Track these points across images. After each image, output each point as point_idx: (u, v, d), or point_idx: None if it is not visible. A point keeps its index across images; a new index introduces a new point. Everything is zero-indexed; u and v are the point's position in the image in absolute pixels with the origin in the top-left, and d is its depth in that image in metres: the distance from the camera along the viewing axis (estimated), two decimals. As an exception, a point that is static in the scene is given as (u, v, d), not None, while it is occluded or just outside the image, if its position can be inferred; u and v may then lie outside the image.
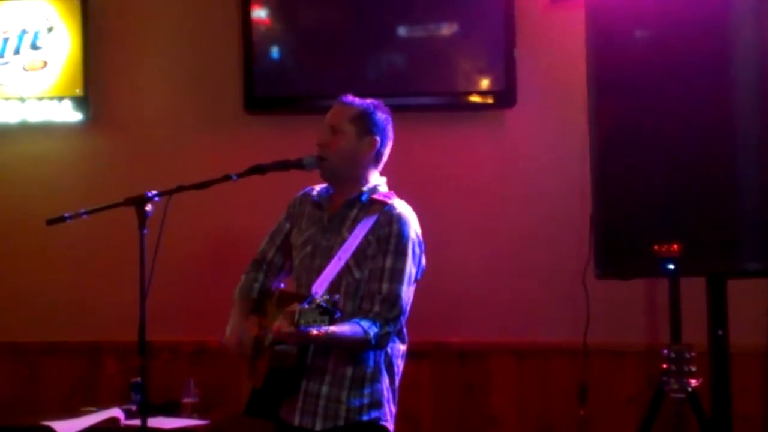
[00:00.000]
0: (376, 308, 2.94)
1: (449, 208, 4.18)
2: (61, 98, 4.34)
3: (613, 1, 3.22)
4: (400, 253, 2.99)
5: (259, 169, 3.07)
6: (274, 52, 4.33)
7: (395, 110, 3.20)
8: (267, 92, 4.31)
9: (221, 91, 4.36)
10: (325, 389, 2.96)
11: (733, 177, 3.01)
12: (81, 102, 4.35)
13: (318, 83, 4.25)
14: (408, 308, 3.02)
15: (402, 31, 4.29)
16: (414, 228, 3.06)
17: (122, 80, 4.42)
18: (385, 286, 2.96)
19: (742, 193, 3.01)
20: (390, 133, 3.15)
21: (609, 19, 3.22)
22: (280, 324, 2.78)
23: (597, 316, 3.79)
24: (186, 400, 3.97)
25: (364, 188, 3.10)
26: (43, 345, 4.35)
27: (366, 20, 4.29)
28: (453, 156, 4.27)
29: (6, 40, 4.37)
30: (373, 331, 2.90)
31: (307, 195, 3.23)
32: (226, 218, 4.29)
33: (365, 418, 2.97)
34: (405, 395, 3.17)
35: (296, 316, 2.65)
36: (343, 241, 3.01)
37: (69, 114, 4.35)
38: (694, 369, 2.97)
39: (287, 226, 3.23)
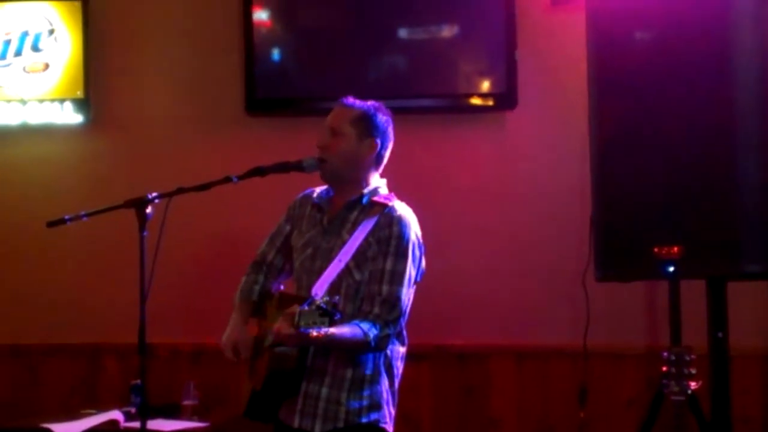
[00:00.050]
0: (376, 310, 2.94)
1: (450, 209, 4.19)
2: (62, 100, 4.35)
3: (614, 3, 3.22)
4: (401, 255, 2.99)
5: (259, 171, 3.08)
6: (275, 54, 4.33)
7: (396, 112, 3.19)
8: (268, 94, 4.31)
9: (222, 92, 4.36)
10: (324, 391, 2.96)
11: (734, 179, 3.02)
12: (82, 104, 4.35)
13: (319, 85, 4.26)
14: (408, 310, 3.02)
15: (403, 33, 4.29)
16: (414, 230, 3.06)
17: (123, 82, 4.42)
18: (385, 288, 2.96)
19: (742, 195, 3.02)
20: (391, 136, 3.15)
21: (609, 20, 3.22)
22: (280, 325, 2.78)
23: (597, 318, 3.79)
24: (186, 403, 3.96)
25: (365, 190, 3.10)
26: (43, 347, 4.35)
27: (367, 22, 4.29)
28: (454, 158, 4.28)
29: (7, 42, 4.37)
30: (372, 333, 2.90)
31: (308, 197, 3.22)
32: (226, 220, 4.29)
33: (364, 420, 2.97)
34: (405, 397, 3.17)
35: (296, 318, 2.65)
36: (344, 243, 3.00)
37: (70, 116, 4.35)
38: (694, 371, 2.96)
39: (287, 228, 3.23)
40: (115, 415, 3.82)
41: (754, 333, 3.99)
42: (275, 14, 4.33)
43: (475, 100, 4.26)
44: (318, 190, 3.22)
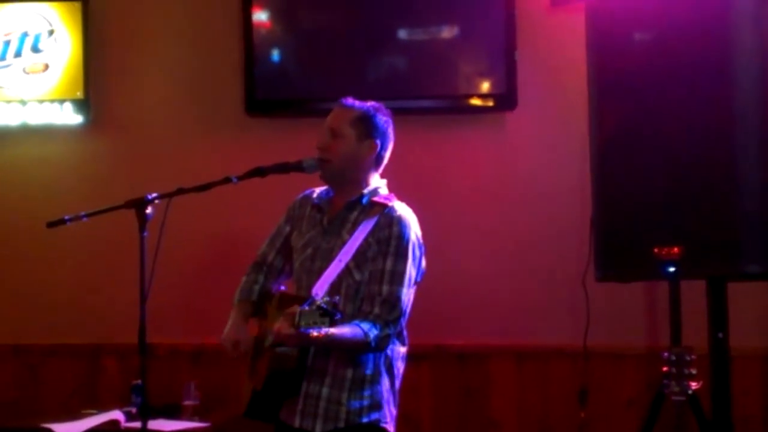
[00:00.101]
0: (376, 310, 2.94)
1: (449, 210, 4.19)
2: (61, 101, 4.35)
3: (613, 4, 3.22)
4: (401, 256, 3.00)
5: (259, 172, 3.08)
6: (275, 54, 4.33)
7: (396, 113, 3.20)
8: (268, 95, 4.31)
9: (222, 93, 4.36)
10: (325, 391, 2.97)
11: (734, 179, 3.01)
12: (82, 105, 4.35)
13: (319, 86, 4.26)
14: (408, 310, 3.02)
15: (403, 33, 4.29)
16: (414, 230, 3.06)
17: (123, 83, 4.42)
18: (385, 288, 2.96)
19: (742, 195, 3.01)
20: (390, 136, 3.15)
21: (609, 21, 3.22)
22: (280, 326, 2.79)
23: (597, 318, 3.80)
24: (186, 403, 3.97)
25: (365, 191, 3.10)
26: (44, 347, 4.35)
27: (366, 23, 4.29)
28: (453, 158, 4.28)
29: (7, 42, 4.37)
30: (373, 333, 2.90)
31: (307, 197, 3.23)
32: (226, 220, 4.29)
33: (365, 420, 2.97)
34: (405, 398, 3.17)
35: (296, 318, 2.65)
36: (344, 243, 3.01)
37: (70, 117, 4.35)
38: (694, 372, 2.96)
39: (287, 228, 3.23)
40: (116, 415, 3.82)
41: (755, 333, 3.99)
42: (275, 15, 4.33)
43: (475, 101, 4.26)
44: (318, 190, 3.22)
